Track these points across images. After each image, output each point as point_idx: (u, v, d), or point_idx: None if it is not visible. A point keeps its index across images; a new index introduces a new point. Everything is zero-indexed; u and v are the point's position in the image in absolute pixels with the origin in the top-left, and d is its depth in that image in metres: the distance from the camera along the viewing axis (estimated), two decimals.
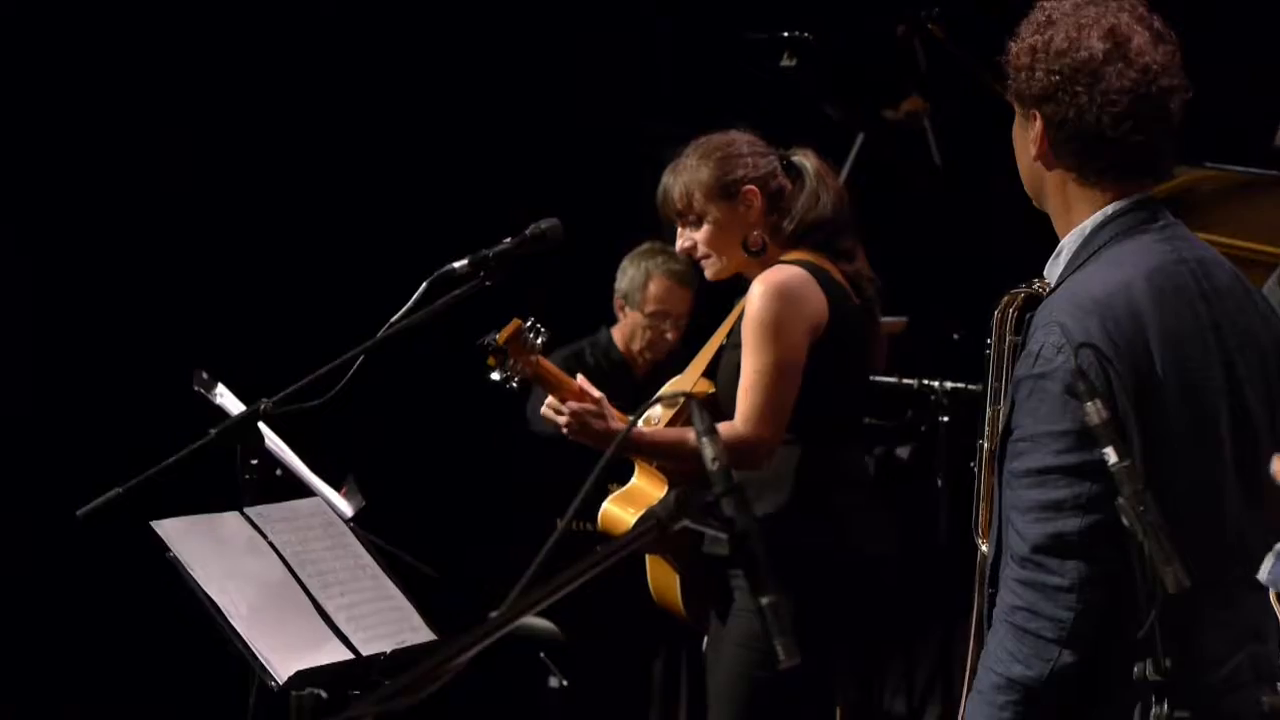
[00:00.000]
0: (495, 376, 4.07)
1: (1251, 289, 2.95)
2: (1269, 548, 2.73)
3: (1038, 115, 2.84)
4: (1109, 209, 2.84)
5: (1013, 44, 2.88)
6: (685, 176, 4.09)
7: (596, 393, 4.04)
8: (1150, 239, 2.84)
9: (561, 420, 4.01)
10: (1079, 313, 2.73)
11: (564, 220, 4.00)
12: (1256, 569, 2.70)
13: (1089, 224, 2.85)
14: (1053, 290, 2.87)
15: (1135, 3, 2.86)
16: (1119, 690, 2.68)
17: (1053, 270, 2.91)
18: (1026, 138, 2.89)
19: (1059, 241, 2.92)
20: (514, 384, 4.08)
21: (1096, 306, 2.74)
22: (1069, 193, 2.87)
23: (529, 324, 4.02)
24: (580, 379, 4.09)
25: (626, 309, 5.98)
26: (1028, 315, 2.88)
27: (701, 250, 4.12)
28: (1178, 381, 2.75)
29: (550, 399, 4.04)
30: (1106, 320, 2.72)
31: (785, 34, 6.01)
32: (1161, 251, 2.83)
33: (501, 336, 4.00)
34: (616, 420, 4.02)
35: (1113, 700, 2.71)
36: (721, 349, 4.15)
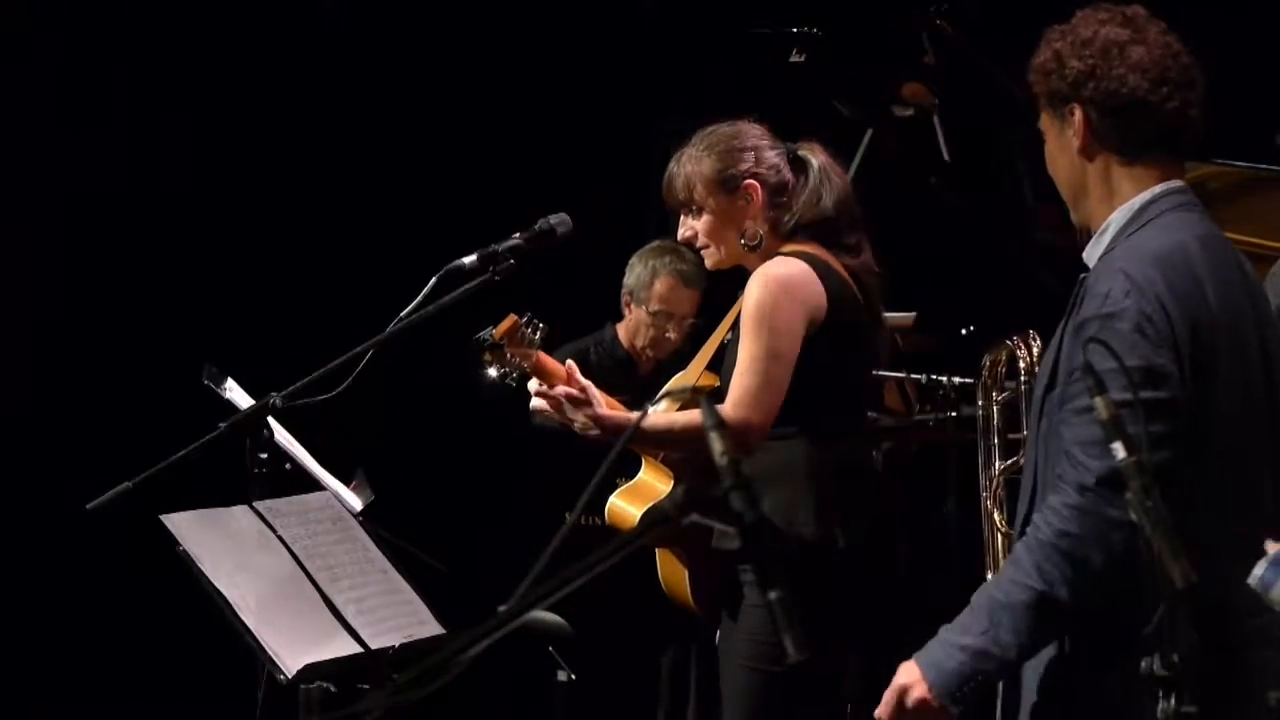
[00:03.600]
0: (492, 373, 4.07)
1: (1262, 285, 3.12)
2: None
3: (1076, 106, 2.98)
4: (1156, 189, 2.98)
5: (1033, 61, 3.05)
6: (688, 167, 4.10)
7: (583, 380, 4.05)
8: (1196, 215, 3.00)
9: (548, 406, 4.01)
10: (1141, 263, 2.87)
11: (573, 216, 4.00)
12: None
13: (1138, 201, 2.98)
14: (1107, 252, 2.97)
15: (1139, 9, 3.04)
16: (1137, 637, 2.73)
17: (1094, 250, 3.02)
18: (1065, 140, 3.02)
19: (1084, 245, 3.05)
20: (513, 381, 4.08)
21: (1157, 260, 2.88)
22: (1113, 177, 2.99)
23: (525, 319, 4.01)
24: (570, 365, 4.09)
25: (632, 305, 5.97)
26: (1081, 277, 2.97)
27: (701, 240, 4.12)
28: (1229, 337, 2.90)
29: (535, 385, 4.05)
30: (1167, 272, 2.86)
31: (794, 29, 6.01)
32: (1206, 226, 3.00)
33: (498, 333, 4.00)
34: (603, 405, 4.02)
35: (1131, 644, 2.76)
36: (725, 343, 4.15)
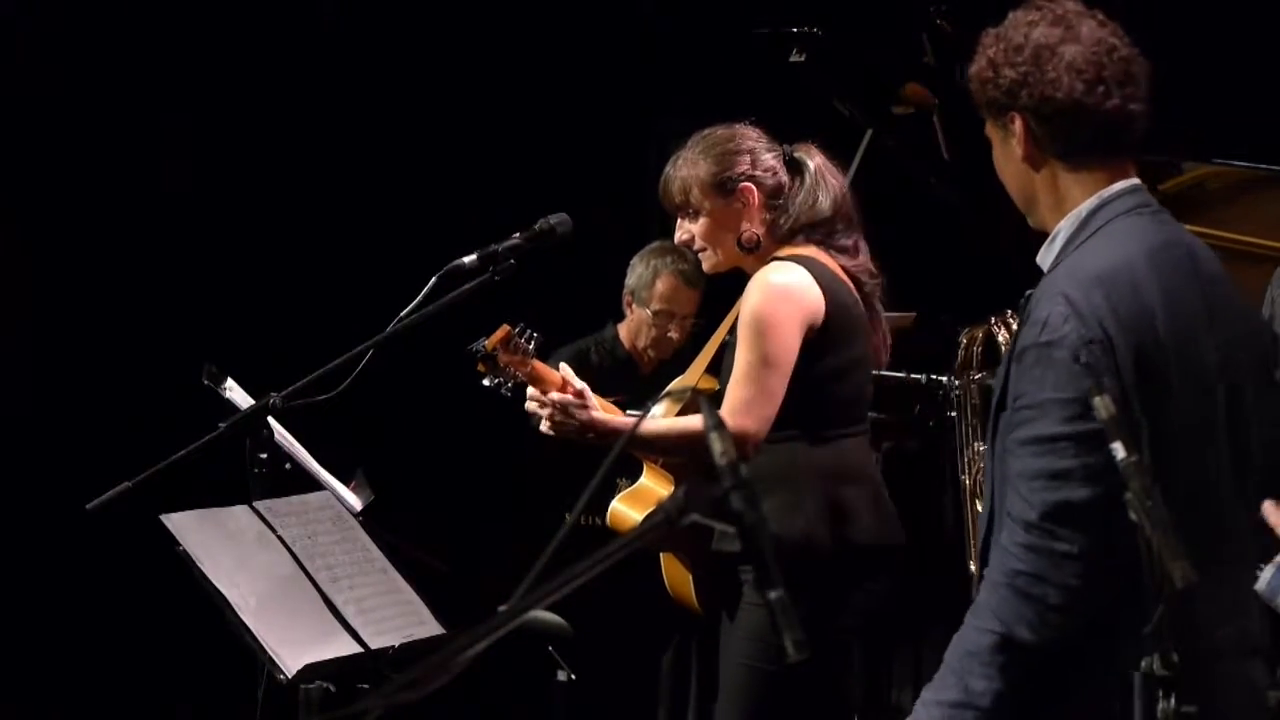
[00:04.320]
0: (486, 383, 4.08)
1: (1231, 281, 3.00)
2: (1254, 530, 2.81)
3: (1016, 115, 2.91)
4: (1104, 193, 2.90)
5: (971, 70, 2.97)
6: (684, 170, 4.10)
7: (579, 384, 4.04)
8: (1146, 221, 2.90)
9: (544, 412, 4.02)
10: (1083, 285, 2.78)
11: (573, 216, 4.00)
12: (1245, 548, 2.74)
13: (1085, 207, 2.89)
14: (1051, 270, 2.90)
15: (1070, 4, 2.95)
16: (1107, 662, 2.74)
17: (1046, 256, 2.95)
18: (1009, 149, 2.95)
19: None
20: (507, 390, 4.08)
21: (1100, 280, 2.78)
22: (1060, 185, 2.92)
23: (518, 329, 4.01)
24: (564, 369, 4.08)
25: (634, 306, 5.97)
26: (1026, 294, 2.91)
27: (698, 243, 4.13)
28: (1179, 356, 2.80)
29: (532, 391, 4.05)
30: (1111, 293, 2.77)
31: (794, 29, 6.01)
32: (1158, 233, 2.90)
33: (490, 343, 4.00)
34: (600, 409, 4.02)
35: (1098, 671, 2.75)
36: (724, 345, 4.15)
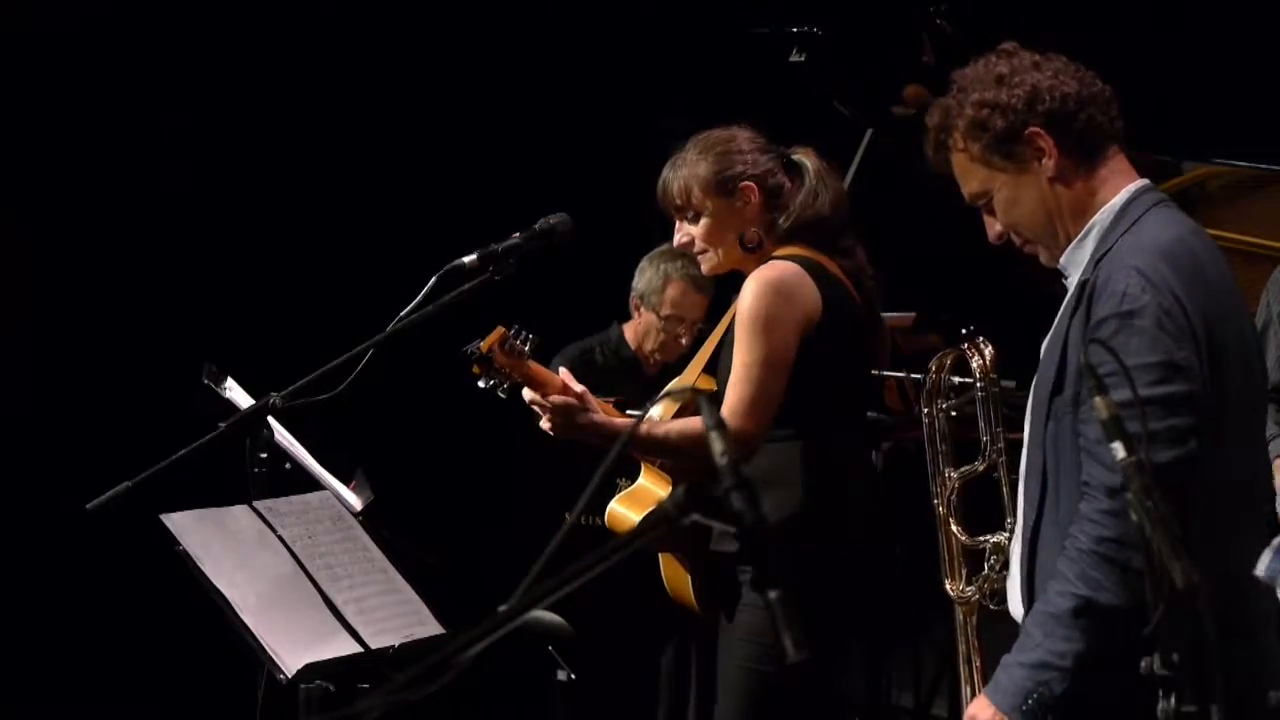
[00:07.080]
0: (481, 385, 4.08)
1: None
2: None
3: (1036, 131, 2.99)
4: (1130, 188, 3.02)
5: (956, 137, 3.07)
6: (684, 171, 4.09)
7: (579, 387, 4.04)
8: (1175, 211, 3.04)
9: (544, 414, 4.01)
10: (1151, 259, 2.90)
11: (573, 215, 4.00)
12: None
13: (1118, 200, 3.01)
14: (1105, 253, 2.97)
15: (1006, 44, 3.11)
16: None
17: (1078, 255, 3.04)
18: (1027, 177, 3.03)
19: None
20: (502, 392, 4.08)
21: (1165, 253, 2.91)
22: (1086, 190, 3.02)
23: (513, 331, 4.01)
24: (564, 373, 4.08)
25: (642, 309, 5.95)
26: (1088, 280, 2.96)
27: (698, 245, 4.12)
28: (1232, 325, 2.95)
29: (530, 393, 4.04)
30: (1175, 264, 2.90)
31: (794, 29, 6.01)
32: (1189, 220, 3.04)
33: (484, 345, 3.99)
34: (600, 413, 4.02)
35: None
36: (721, 345, 4.15)
